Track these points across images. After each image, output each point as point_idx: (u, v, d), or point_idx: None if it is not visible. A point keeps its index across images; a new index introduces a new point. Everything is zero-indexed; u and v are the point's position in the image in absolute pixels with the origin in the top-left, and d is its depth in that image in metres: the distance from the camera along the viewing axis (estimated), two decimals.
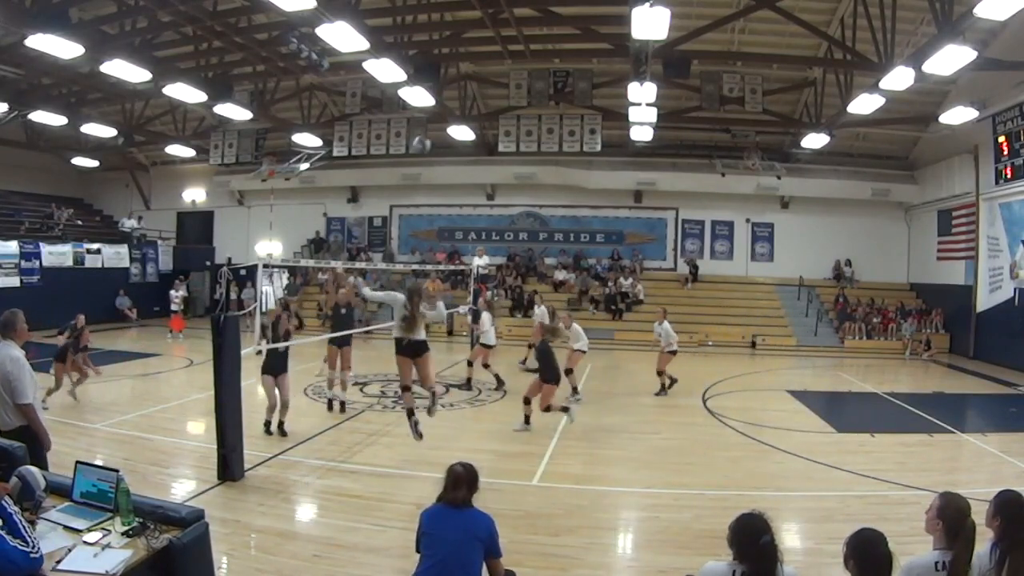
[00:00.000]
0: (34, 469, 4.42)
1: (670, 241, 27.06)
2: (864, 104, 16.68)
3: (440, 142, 23.62)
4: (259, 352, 9.06)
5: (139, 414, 11.21)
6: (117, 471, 4.48)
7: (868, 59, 15.58)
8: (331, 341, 11.73)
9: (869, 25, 15.51)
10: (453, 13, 16.56)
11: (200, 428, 10.51)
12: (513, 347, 21.43)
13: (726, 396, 14.22)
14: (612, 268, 26.09)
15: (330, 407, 11.89)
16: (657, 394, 13.90)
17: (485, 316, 15.10)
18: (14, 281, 22.01)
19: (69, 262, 24.28)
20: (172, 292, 23.32)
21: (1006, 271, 19.51)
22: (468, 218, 28.13)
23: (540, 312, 15.83)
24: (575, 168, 25.51)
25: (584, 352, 13.74)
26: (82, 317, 12.96)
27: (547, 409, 10.40)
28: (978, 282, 20.92)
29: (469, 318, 19.55)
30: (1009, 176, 18.93)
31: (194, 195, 30.81)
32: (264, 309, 12.18)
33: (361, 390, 13.70)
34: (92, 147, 26.61)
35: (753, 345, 22.63)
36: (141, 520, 4.24)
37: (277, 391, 9.93)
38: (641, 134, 20.69)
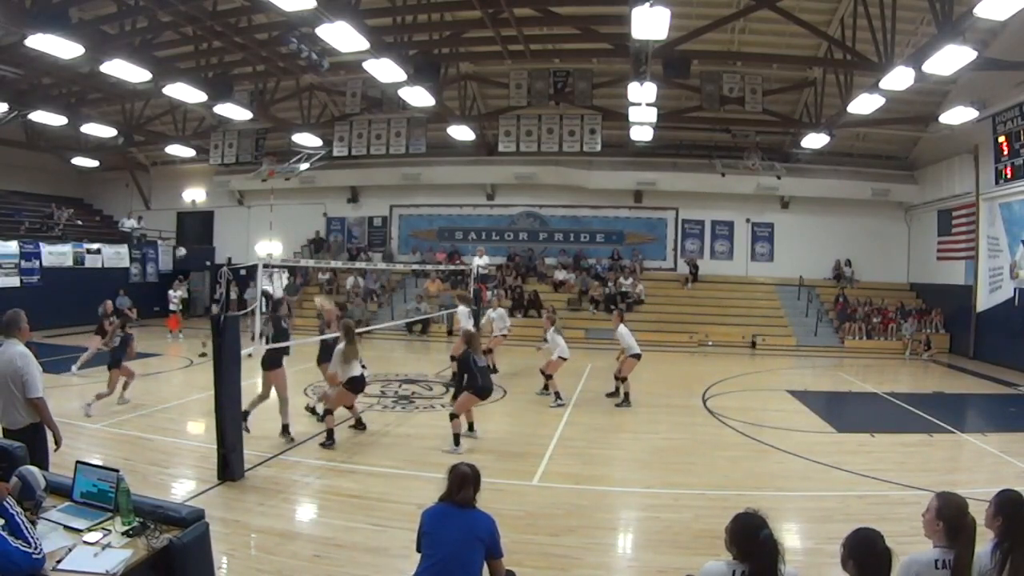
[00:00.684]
0: (34, 469, 4.43)
1: (670, 241, 27.07)
2: (864, 104, 16.67)
3: (440, 142, 23.64)
4: (249, 355, 9.00)
5: (139, 414, 11.22)
6: (117, 471, 4.49)
7: (868, 59, 15.58)
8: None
9: (869, 25, 15.51)
10: (453, 13, 16.56)
11: (200, 428, 10.52)
12: (513, 347, 21.45)
13: (726, 396, 14.22)
14: (612, 268, 26.08)
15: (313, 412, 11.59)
16: (618, 405, 12.87)
17: (461, 310, 15.38)
18: (14, 281, 22.02)
19: (69, 262, 24.30)
20: (171, 292, 23.33)
21: (1006, 271, 19.51)
22: (468, 218, 28.13)
23: (462, 312, 15.67)
24: (575, 168, 25.51)
25: (564, 359, 13.12)
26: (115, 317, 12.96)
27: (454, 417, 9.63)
28: (978, 282, 20.91)
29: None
30: (1009, 176, 18.93)
31: (194, 195, 30.83)
32: (264, 309, 12.19)
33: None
34: (92, 147, 26.62)
35: (753, 345, 22.63)
36: (141, 520, 4.25)
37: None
38: (641, 134, 20.69)
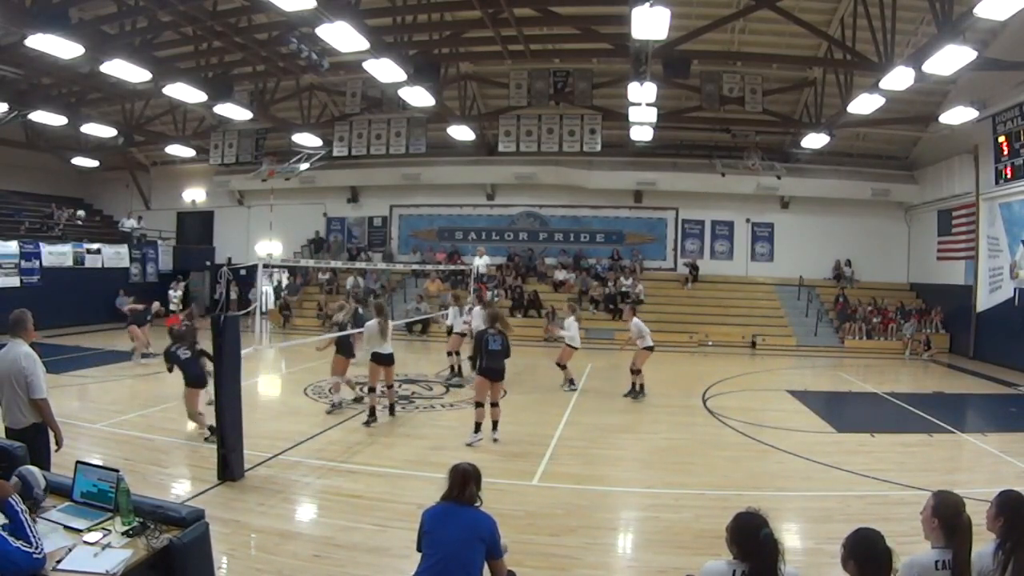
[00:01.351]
0: (34, 469, 4.44)
1: (670, 241, 27.06)
2: (864, 104, 16.67)
3: (440, 142, 23.64)
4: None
5: (139, 414, 11.22)
6: (117, 471, 4.49)
7: (868, 59, 15.58)
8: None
9: (869, 25, 15.51)
10: (453, 13, 16.56)
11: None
12: (512, 347, 21.43)
13: (726, 396, 14.22)
14: (612, 268, 26.08)
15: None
16: (627, 395, 13.62)
17: (452, 311, 15.76)
18: (14, 281, 22.01)
19: (69, 262, 24.29)
20: (171, 292, 23.32)
21: (1006, 271, 19.51)
22: (468, 218, 28.13)
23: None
24: (575, 168, 25.51)
25: (573, 348, 14.35)
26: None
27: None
28: (978, 282, 20.91)
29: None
30: (1009, 176, 18.93)
31: (194, 195, 30.82)
32: (264, 309, 12.28)
33: (361, 390, 13.67)
34: (92, 147, 26.61)
35: (753, 345, 22.63)
36: (141, 520, 4.25)
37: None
38: (641, 134, 20.68)
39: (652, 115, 18.46)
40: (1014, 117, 18.27)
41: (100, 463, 5.68)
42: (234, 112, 20.10)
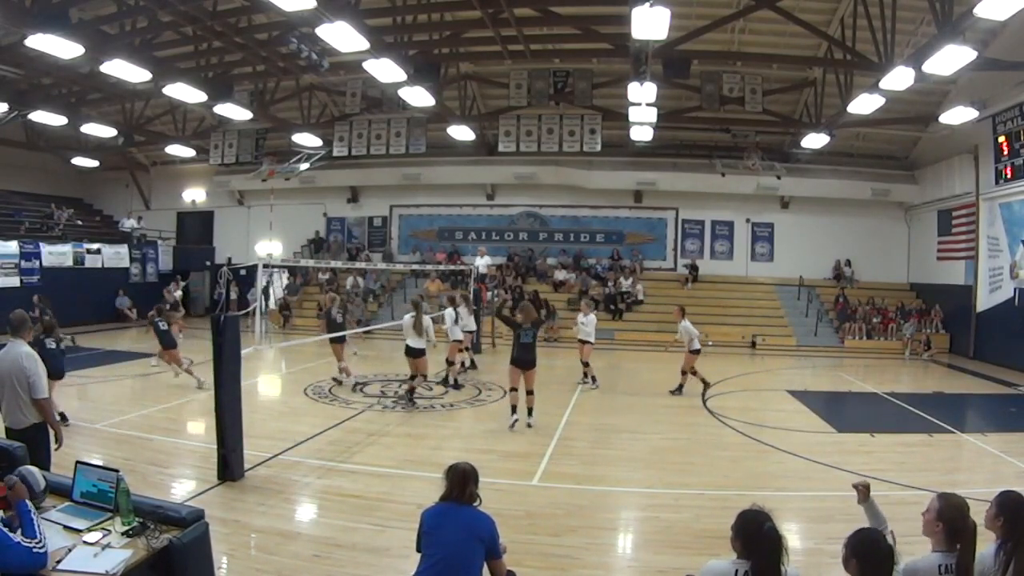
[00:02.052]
0: (34, 469, 4.43)
1: (670, 241, 27.06)
2: (864, 104, 16.66)
3: (440, 142, 23.63)
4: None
5: (139, 414, 11.22)
6: (117, 471, 4.49)
7: (868, 59, 15.58)
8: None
9: (869, 25, 15.50)
10: (453, 13, 16.54)
11: (200, 428, 10.52)
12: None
13: (726, 396, 14.23)
14: (612, 268, 26.08)
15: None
16: (673, 392, 14.12)
17: (448, 313, 15.53)
18: (14, 281, 22.01)
19: (69, 262, 24.29)
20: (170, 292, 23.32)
21: (1006, 271, 19.51)
22: (468, 218, 28.12)
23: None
24: (575, 168, 25.51)
25: (585, 342, 14.93)
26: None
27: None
28: (978, 282, 20.91)
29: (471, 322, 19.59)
30: (1009, 176, 18.93)
31: (194, 195, 30.81)
32: (264, 309, 12.35)
33: (361, 390, 13.70)
34: (92, 147, 26.61)
35: (753, 345, 22.63)
36: (141, 520, 4.25)
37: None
38: (641, 134, 20.68)
39: (652, 115, 18.45)
40: (1014, 117, 18.27)
41: (100, 463, 5.69)
42: (234, 112, 20.10)
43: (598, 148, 20.79)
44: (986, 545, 3.56)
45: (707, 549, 5.77)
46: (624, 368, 18.19)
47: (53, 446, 6.10)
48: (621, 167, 25.52)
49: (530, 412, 10.93)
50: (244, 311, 16.38)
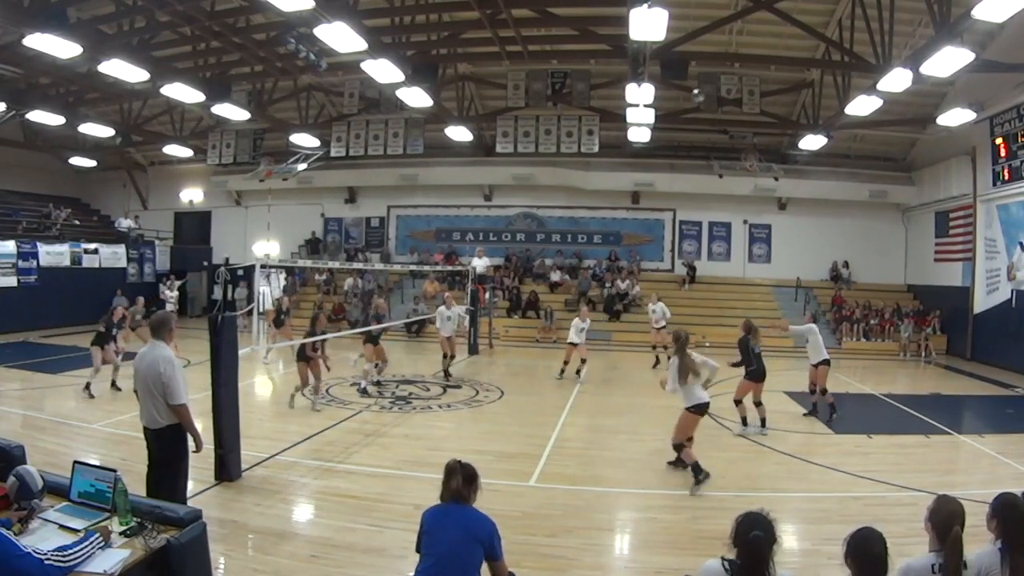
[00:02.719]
0: (32, 469, 4.43)
1: (667, 242, 27.08)
2: (862, 106, 16.70)
3: (438, 143, 23.62)
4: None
5: (136, 414, 11.15)
6: (115, 471, 4.49)
7: (866, 61, 15.61)
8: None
9: (867, 27, 15.53)
10: (451, 14, 16.56)
11: (198, 428, 10.49)
12: (512, 347, 21.46)
13: (724, 397, 14.19)
14: (610, 269, 26.08)
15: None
16: (807, 413, 12.72)
17: (441, 311, 16.05)
18: (11, 281, 21.99)
19: (66, 262, 24.26)
20: (169, 292, 23.27)
21: (1003, 273, 19.54)
22: (466, 219, 28.13)
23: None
24: (573, 169, 25.52)
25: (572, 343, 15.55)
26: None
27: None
28: (975, 284, 20.95)
29: (467, 320, 19.63)
30: (1007, 178, 18.96)
31: (191, 195, 30.79)
32: (261, 310, 12.36)
33: (359, 390, 13.69)
34: (90, 147, 26.58)
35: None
36: (139, 520, 4.24)
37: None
38: (639, 135, 20.70)
39: (650, 116, 18.49)
40: (1012, 119, 18.30)
41: (97, 463, 5.68)
42: (232, 112, 20.10)
43: (596, 149, 20.81)
44: (982, 545, 3.58)
45: (704, 550, 5.77)
46: (621, 369, 18.19)
47: (192, 449, 6.08)
48: (619, 168, 25.54)
49: (763, 422, 11.12)
50: (239, 311, 16.36)
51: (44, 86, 21.11)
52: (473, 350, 19.89)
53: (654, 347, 18.27)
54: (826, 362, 12.62)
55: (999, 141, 18.99)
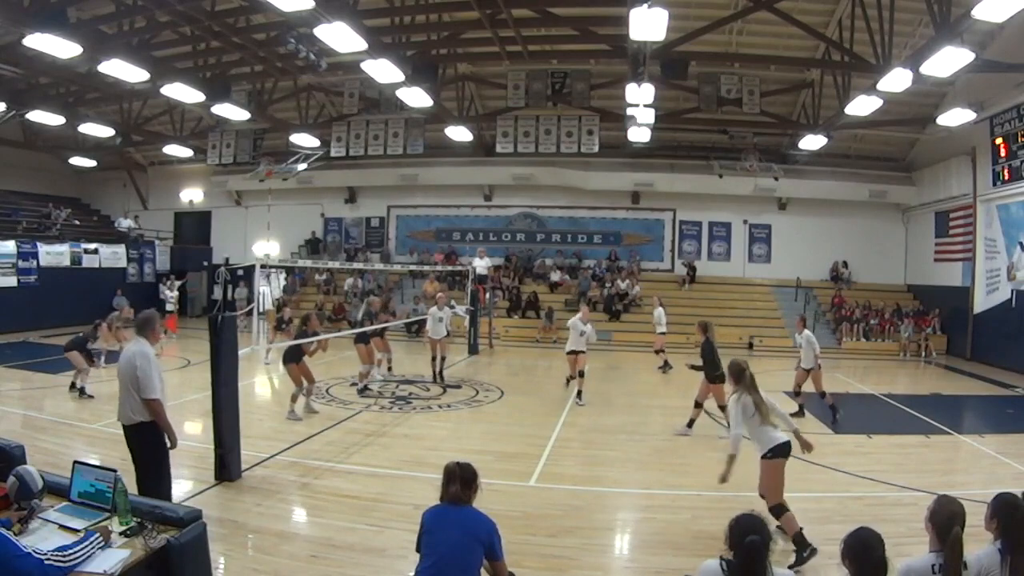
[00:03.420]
0: (31, 469, 4.42)
1: (667, 242, 27.09)
2: (862, 106, 16.70)
3: (438, 143, 23.63)
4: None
5: None
6: (115, 471, 4.49)
7: (866, 61, 15.61)
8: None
9: (867, 27, 15.53)
10: (451, 14, 16.57)
11: (197, 428, 10.50)
12: (511, 347, 21.47)
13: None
14: (610, 269, 26.08)
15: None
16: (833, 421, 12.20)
17: (433, 312, 15.62)
18: (11, 281, 21.99)
19: (66, 262, 24.25)
20: (168, 292, 23.26)
21: (1003, 273, 19.54)
22: (465, 219, 28.14)
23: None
24: (573, 169, 25.52)
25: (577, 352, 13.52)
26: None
27: None
28: (975, 284, 20.95)
29: (466, 320, 19.62)
30: (1007, 178, 18.96)
31: (192, 195, 30.82)
32: (261, 309, 12.34)
33: (359, 391, 13.69)
34: (90, 147, 26.57)
35: (750, 346, 22.67)
36: (139, 520, 4.24)
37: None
38: (639, 135, 20.69)
39: (650, 116, 18.48)
40: (1012, 119, 18.31)
41: (97, 463, 5.68)
42: (232, 112, 20.10)
43: (596, 149, 20.81)
44: (982, 545, 3.58)
45: (704, 550, 5.78)
46: (621, 369, 18.19)
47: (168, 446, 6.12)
48: (619, 168, 25.55)
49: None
50: (239, 312, 16.37)
51: (44, 86, 21.13)
52: (473, 350, 19.88)
53: (658, 352, 17.90)
54: (817, 367, 12.53)
55: (999, 141, 18.99)
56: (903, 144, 24.15)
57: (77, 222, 27.66)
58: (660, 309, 18.01)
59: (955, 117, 18.12)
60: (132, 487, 4.73)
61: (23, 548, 3.39)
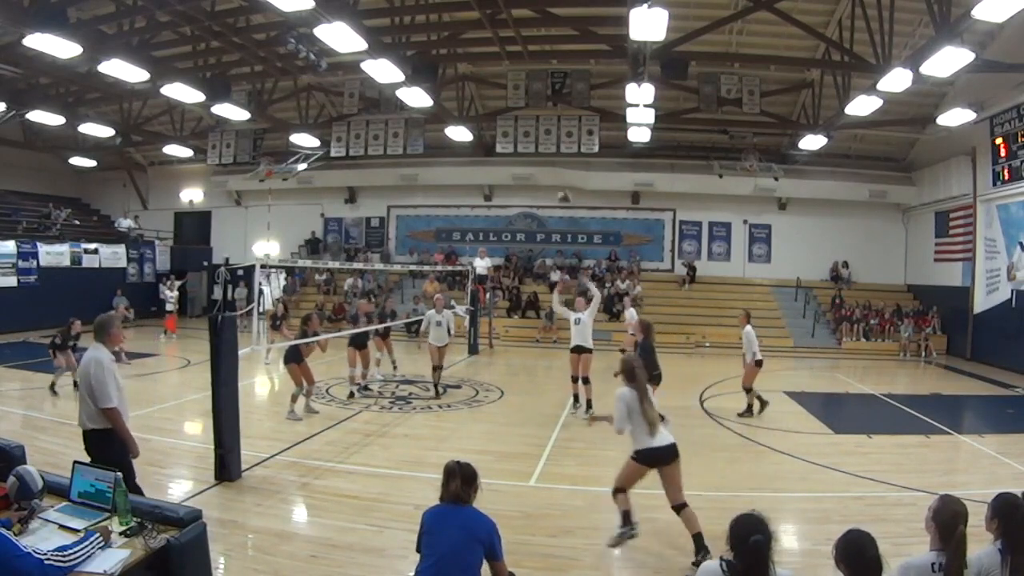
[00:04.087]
0: (32, 469, 4.43)
1: (667, 242, 27.09)
2: (862, 106, 16.71)
3: (438, 143, 23.63)
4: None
5: (136, 414, 11.12)
6: (115, 471, 4.49)
7: (866, 61, 15.61)
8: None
9: (867, 27, 15.54)
10: (451, 14, 16.57)
11: (197, 428, 10.51)
12: (511, 348, 21.46)
13: (723, 397, 14.23)
14: (610, 269, 26.09)
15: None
16: (741, 415, 12.34)
17: (430, 314, 14.13)
18: (11, 281, 22.00)
19: (66, 262, 24.26)
20: (168, 292, 23.27)
21: (1003, 273, 19.54)
22: (465, 219, 28.14)
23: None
24: (573, 169, 25.52)
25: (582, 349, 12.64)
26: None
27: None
28: (975, 284, 20.95)
29: (466, 320, 19.61)
30: (1007, 178, 18.96)
31: (192, 195, 30.83)
32: (261, 309, 12.32)
33: (360, 391, 13.68)
34: (90, 147, 26.59)
35: None
36: (139, 520, 4.24)
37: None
38: (639, 135, 20.71)
39: (650, 116, 18.50)
40: (1012, 119, 18.30)
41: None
42: (232, 112, 20.11)
43: (596, 149, 20.84)
44: (982, 546, 3.58)
45: None
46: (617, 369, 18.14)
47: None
48: (619, 168, 25.56)
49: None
50: (239, 312, 16.37)
51: (44, 86, 21.13)
52: (473, 350, 19.89)
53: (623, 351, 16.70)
54: (758, 362, 12.44)
55: (999, 141, 18.99)
56: (903, 144, 24.15)
57: (77, 222, 27.68)
58: (632, 310, 16.88)
59: (955, 117, 18.13)
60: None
61: (23, 548, 3.38)
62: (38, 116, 21.39)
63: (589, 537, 6.73)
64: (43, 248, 23.46)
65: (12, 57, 17.53)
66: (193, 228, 31.00)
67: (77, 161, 27.85)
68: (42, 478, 4.41)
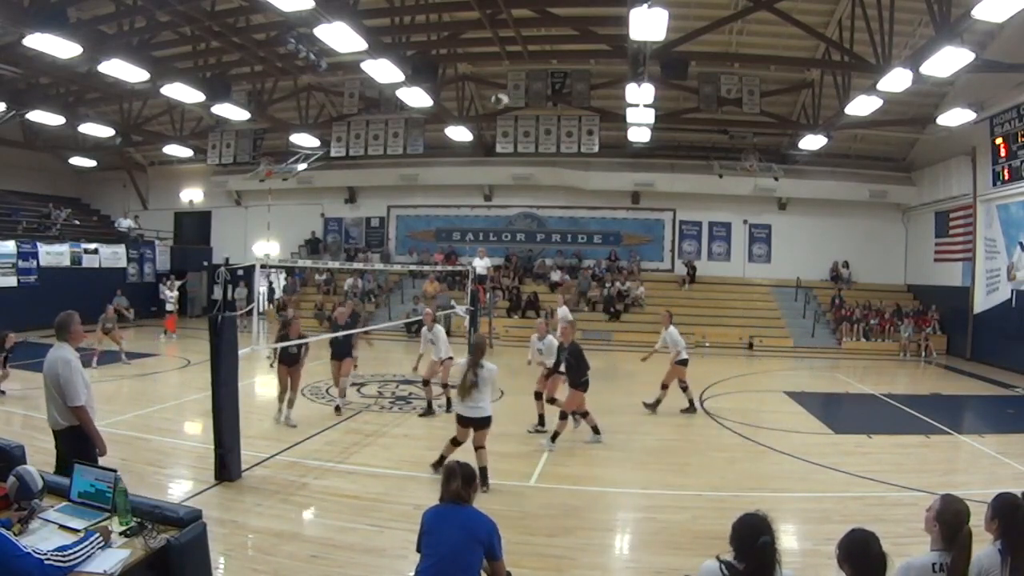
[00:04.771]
0: (32, 469, 4.42)
1: (667, 242, 27.09)
2: (862, 106, 16.70)
3: (438, 143, 23.63)
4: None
5: (136, 414, 11.20)
6: (115, 471, 4.48)
7: (866, 61, 15.61)
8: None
9: (867, 27, 15.53)
10: (451, 14, 16.56)
11: (197, 428, 10.51)
12: (510, 348, 21.43)
13: (723, 397, 14.23)
14: (610, 269, 26.09)
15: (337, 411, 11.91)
16: (685, 411, 12.47)
17: (423, 332, 12.90)
18: (11, 281, 21.99)
19: (66, 262, 24.26)
20: (168, 292, 23.26)
21: (1003, 273, 19.55)
22: (465, 219, 28.14)
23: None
24: (573, 169, 25.52)
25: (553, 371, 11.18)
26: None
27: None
28: (975, 284, 20.95)
29: (467, 320, 19.60)
30: (1007, 178, 18.97)
31: (192, 195, 30.82)
32: (261, 309, 12.30)
33: (359, 391, 13.69)
34: (90, 147, 26.58)
35: (750, 346, 22.65)
36: (139, 520, 4.24)
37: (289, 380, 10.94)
38: (639, 135, 20.70)
39: (650, 116, 18.49)
40: (1012, 119, 18.31)
41: (97, 463, 5.67)
42: (232, 112, 20.09)
43: (596, 149, 20.81)
44: (982, 546, 3.57)
45: (704, 550, 5.74)
46: (621, 369, 18.17)
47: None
48: (619, 168, 25.55)
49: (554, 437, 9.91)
50: (239, 312, 16.37)
51: (44, 86, 21.12)
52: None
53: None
54: (683, 362, 12.49)
55: (999, 141, 18.99)
56: (903, 144, 24.14)
57: (77, 222, 27.67)
58: (564, 308, 17.36)
59: (955, 117, 18.12)
60: (134, 488, 4.71)
61: (23, 548, 3.38)
62: (38, 116, 21.38)
63: (589, 537, 6.73)
64: (43, 248, 23.46)
65: (12, 57, 17.52)
66: (193, 228, 30.99)
67: (77, 161, 27.85)
68: (42, 478, 4.41)
